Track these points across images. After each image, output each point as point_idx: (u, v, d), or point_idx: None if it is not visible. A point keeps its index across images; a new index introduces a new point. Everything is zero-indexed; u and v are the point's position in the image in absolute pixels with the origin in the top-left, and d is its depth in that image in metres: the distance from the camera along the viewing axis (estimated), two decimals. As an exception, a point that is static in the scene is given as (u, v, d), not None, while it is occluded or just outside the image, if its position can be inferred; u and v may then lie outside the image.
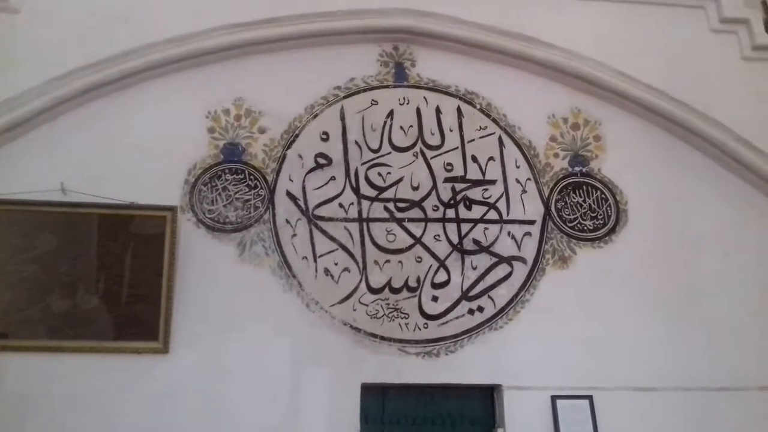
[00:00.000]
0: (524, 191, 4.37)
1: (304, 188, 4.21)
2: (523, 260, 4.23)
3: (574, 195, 4.41)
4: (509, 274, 4.19)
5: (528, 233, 4.28)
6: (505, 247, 4.24)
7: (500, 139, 4.46)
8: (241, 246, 4.05)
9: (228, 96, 4.29)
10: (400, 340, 4.00)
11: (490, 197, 4.33)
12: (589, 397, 3.99)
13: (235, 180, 4.16)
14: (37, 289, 3.73)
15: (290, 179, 4.22)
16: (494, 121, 4.50)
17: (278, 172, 4.22)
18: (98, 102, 4.16)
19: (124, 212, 3.88)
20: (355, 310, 4.02)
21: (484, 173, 4.38)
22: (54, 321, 3.71)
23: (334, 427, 3.80)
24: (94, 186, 3.89)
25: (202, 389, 3.75)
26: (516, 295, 4.15)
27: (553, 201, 4.38)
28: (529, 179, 4.40)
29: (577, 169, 4.47)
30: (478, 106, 4.52)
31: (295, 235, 4.11)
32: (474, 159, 4.40)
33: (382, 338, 3.99)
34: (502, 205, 4.33)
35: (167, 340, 3.77)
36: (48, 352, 3.68)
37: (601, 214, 4.38)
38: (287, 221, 4.14)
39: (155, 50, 4.19)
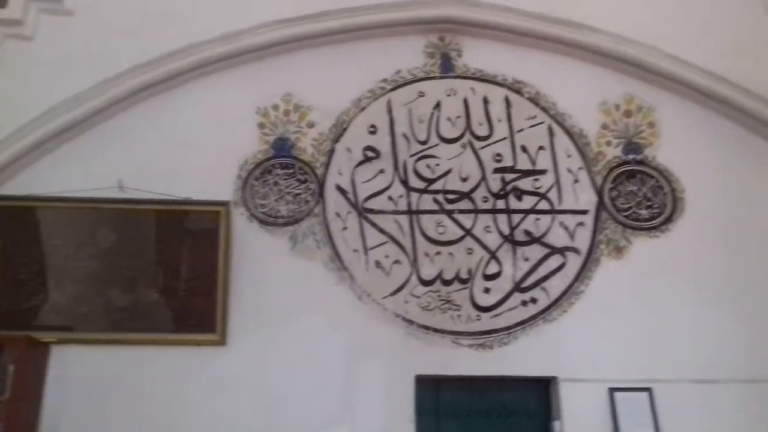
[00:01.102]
0: (576, 181, 4.29)
1: (353, 181, 4.23)
2: (576, 251, 4.15)
3: (628, 184, 4.31)
4: (562, 265, 4.12)
5: (581, 223, 4.21)
6: (557, 238, 4.17)
7: (550, 128, 4.39)
8: (293, 239, 4.08)
9: (277, 91, 4.33)
10: (453, 332, 3.98)
11: (540, 187, 4.27)
12: (649, 390, 3.90)
13: (286, 174, 4.20)
14: (100, 284, 3.85)
15: (339, 173, 4.24)
16: (543, 109, 4.43)
17: (327, 165, 4.24)
18: (152, 100, 4.25)
19: (179, 208, 3.97)
20: (406, 302, 4.02)
21: (534, 163, 4.32)
22: (116, 314, 3.82)
23: (388, 418, 3.81)
24: (149, 183, 3.98)
25: (259, 380, 3.81)
26: (570, 286, 4.08)
27: (607, 190, 4.28)
28: (580, 168, 4.32)
29: (630, 157, 4.37)
30: (526, 95, 4.46)
31: (345, 228, 4.13)
32: (523, 149, 4.34)
33: (435, 330, 3.98)
34: (553, 195, 4.26)
35: (224, 332, 3.83)
36: (111, 344, 3.79)
37: (656, 203, 4.27)
38: (337, 214, 4.16)
39: (205, 48, 4.26)
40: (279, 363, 3.84)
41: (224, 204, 3.98)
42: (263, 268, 4.00)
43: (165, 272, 3.90)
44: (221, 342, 3.82)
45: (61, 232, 3.92)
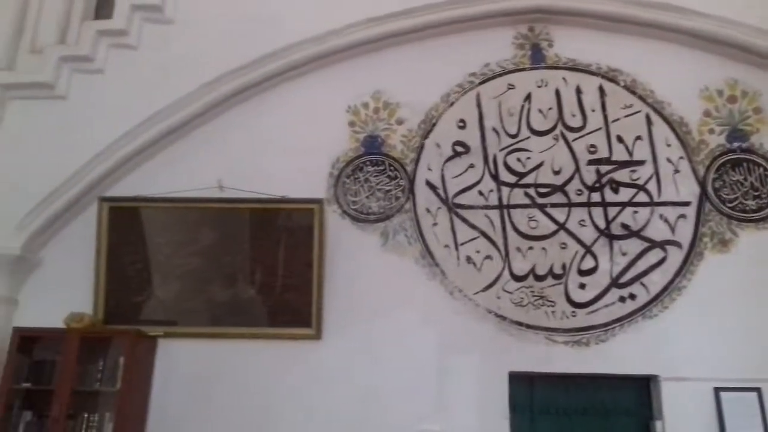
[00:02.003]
0: (677, 171, 4.12)
1: (443, 177, 4.22)
2: (678, 244, 3.99)
3: (733, 173, 4.10)
4: (663, 260, 3.97)
5: (682, 216, 4.04)
6: (657, 231, 4.02)
7: (648, 117, 4.23)
8: (384, 235, 4.13)
9: (366, 90, 4.39)
10: (547, 329, 3.92)
11: (638, 179, 4.12)
12: (757, 390, 3.73)
13: (376, 171, 4.24)
14: (201, 281, 4.04)
15: (429, 168, 4.24)
16: (640, 98, 4.27)
17: (417, 161, 4.26)
18: (247, 103, 4.40)
19: (275, 206, 4.09)
20: (499, 297, 3.98)
21: (631, 154, 4.17)
22: (216, 309, 4.01)
23: (482, 414, 3.79)
24: (246, 182, 4.13)
25: (353, 375, 3.88)
26: (671, 281, 3.93)
27: (710, 180, 4.09)
28: (681, 158, 4.14)
29: (735, 144, 4.15)
30: (621, 84, 4.30)
31: (436, 223, 4.14)
32: (619, 139, 4.20)
33: (528, 326, 3.93)
34: (652, 186, 4.10)
35: (320, 327, 3.93)
36: (212, 338, 3.97)
37: (765, 193, 4.05)
38: (428, 210, 4.16)
39: (296, 50, 4.36)
40: (372, 358, 3.90)
41: (318, 201, 4.08)
42: (356, 264, 4.08)
43: (262, 269, 4.04)
44: (317, 336, 3.92)
45: (164, 231, 4.13)
